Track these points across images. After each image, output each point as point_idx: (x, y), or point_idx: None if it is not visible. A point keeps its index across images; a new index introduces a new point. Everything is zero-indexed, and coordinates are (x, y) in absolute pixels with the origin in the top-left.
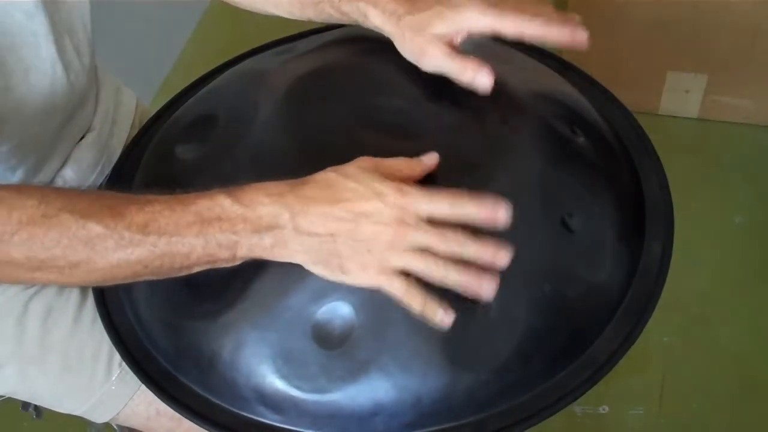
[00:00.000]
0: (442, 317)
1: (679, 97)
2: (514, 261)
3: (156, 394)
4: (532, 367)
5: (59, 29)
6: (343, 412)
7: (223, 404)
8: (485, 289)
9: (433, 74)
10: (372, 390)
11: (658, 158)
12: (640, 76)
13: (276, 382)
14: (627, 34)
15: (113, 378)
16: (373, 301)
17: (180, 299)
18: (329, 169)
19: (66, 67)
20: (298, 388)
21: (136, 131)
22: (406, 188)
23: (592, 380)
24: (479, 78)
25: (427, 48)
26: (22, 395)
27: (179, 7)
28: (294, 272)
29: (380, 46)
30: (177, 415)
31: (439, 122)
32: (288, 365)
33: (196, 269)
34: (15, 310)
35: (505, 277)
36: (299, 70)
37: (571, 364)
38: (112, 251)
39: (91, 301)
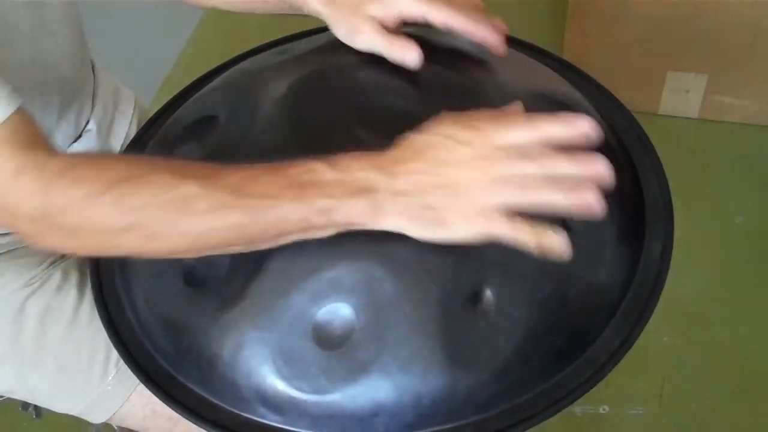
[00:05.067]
0: (561, 245)
1: (679, 97)
2: (514, 261)
3: (156, 395)
4: (533, 367)
5: (54, 22)
6: (344, 412)
7: (223, 405)
8: (596, 203)
9: (431, 75)
10: (372, 390)
11: (658, 158)
12: (640, 76)
13: (276, 383)
14: (627, 34)
15: (109, 378)
16: (373, 302)
17: (180, 299)
18: (411, 133)
19: (60, 61)
20: (298, 388)
21: (134, 130)
22: (482, 125)
23: (592, 380)
24: (407, 55)
25: (360, 26)
26: (20, 394)
27: (179, 7)
28: (294, 272)
29: None
30: (173, 415)
31: None
32: (288, 366)
33: (290, 238)
34: (12, 309)
35: (505, 276)
36: (299, 70)
37: (571, 364)
38: (206, 213)
39: (88, 301)
